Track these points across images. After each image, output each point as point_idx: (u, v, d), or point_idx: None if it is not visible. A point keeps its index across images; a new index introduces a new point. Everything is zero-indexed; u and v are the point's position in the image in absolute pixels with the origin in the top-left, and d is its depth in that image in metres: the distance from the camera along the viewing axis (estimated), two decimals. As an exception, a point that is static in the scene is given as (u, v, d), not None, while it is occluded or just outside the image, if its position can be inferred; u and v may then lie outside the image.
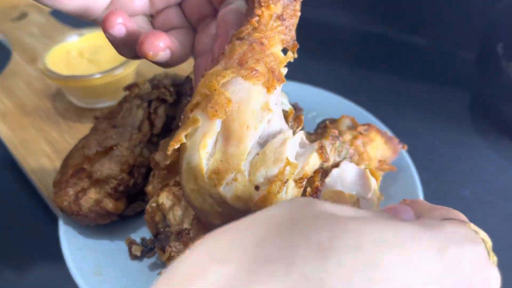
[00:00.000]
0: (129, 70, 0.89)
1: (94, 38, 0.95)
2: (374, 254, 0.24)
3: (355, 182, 0.58)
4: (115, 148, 0.64)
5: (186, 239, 0.53)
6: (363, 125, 0.65)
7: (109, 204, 0.62)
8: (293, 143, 0.44)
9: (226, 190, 0.42)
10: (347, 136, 0.63)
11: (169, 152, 0.43)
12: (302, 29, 0.54)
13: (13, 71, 1.04)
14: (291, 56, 0.48)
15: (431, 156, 0.83)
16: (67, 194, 0.63)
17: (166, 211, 0.58)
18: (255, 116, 0.43)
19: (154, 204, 0.59)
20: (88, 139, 0.65)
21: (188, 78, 0.70)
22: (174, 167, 0.47)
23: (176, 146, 0.43)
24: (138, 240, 0.65)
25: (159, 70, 0.77)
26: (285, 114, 0.49)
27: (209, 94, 0.42)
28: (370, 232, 0.26)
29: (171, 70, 0.79)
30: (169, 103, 0.69)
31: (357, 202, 0.56)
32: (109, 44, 0.94)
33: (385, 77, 1.03)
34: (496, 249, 0.69)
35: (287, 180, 0.42)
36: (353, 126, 0.64)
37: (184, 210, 0.56)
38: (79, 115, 0.91)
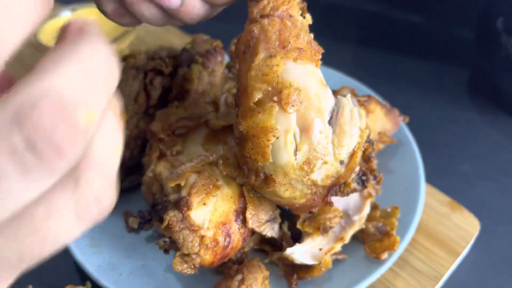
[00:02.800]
0: (122, 46, 0.87)
1: (87, 13, 0.93)
2: None
3: (354, 201, 0.60)
4: (110, 119, 0.62)
5: (184, 207, 0.52)
6: (363, 96, 0.64)
7: (105, 176, 0.61)
8: (357, 110, 0.45)
9: (317, 174, 0.44)
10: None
11: (263, 155, 0.43)
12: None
13: (4, 49, 1.01)
14: (309, 18, 0.47)
15: (429, 133, 0.82)
16: (62, 166, 0.62)
17: (163, 181, 0.56)
18: (321, 97, 0.43)
19: (151, 174, 0.58)
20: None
21: (184, 50, 0.69)
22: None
23: (272, 140, 0.43)
24: (135, 213, 0.64)
25: (155, 44, 0.76)
26: None
27: (273, 88, 0.42)
28: None
29: (170, 42, 0.78)
30: (165, 75, 0.67)
31: (339, 217, 0.57)
32: (102, 20, 0.93)
33: (383, 54, 1.02)
34: (496, 222, 0.69)
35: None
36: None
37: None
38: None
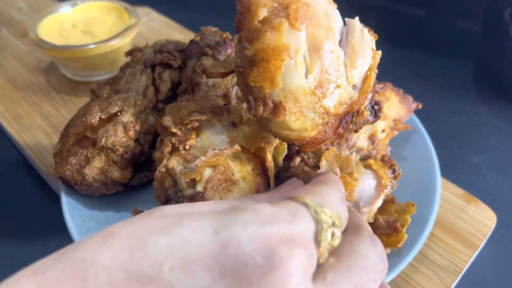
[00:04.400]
0: (125, 41, 0.85)
1: (88, 8, 0.91)
2: (141, 236, 0.28)
3: (367, 193, 0.58)
4: (119, 114, 0.60)
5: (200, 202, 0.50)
6: (379, 83, 0.63)
7: (114, 173, 0.59)
8: (367, 32, 0.42)
9: (329, 100, 0.40)
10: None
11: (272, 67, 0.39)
12: None
13: (1, 46, 0.99)
14: None
15: (438, 126, 0.82)
16: (70, 163, 0.59)
17: (177, 175, 0.55)
18: (330, 14, 0.40)
19: (163, 169, 0.56)
20: (90, 106, 0.62)
21: (192, 42, 0.67)
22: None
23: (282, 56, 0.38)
24: (145, 210, 0.62)
25: (159, 41, 0.74)
26: None
27: (279, 4, 0.38)
28: (147, 221, 0.30)
29: (173, 38, 0.76)
30: (173, 68, 0.66)
31: (354, 202, 0.56)
32: (104, 15, 0.91)
33: (388, 49, 1.00)
34: (507, 214, 0.68)
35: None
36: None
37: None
38: (74, 88, 0.87)
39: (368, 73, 0.41)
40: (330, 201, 0.34)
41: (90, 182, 0.59)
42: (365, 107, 0.44)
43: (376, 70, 0.42)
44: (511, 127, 0.83)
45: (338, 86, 0.40)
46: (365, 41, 0.41)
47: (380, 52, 0.42)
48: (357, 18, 0.42)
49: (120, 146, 0.59)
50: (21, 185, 0.73)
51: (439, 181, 0.63)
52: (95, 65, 0.85)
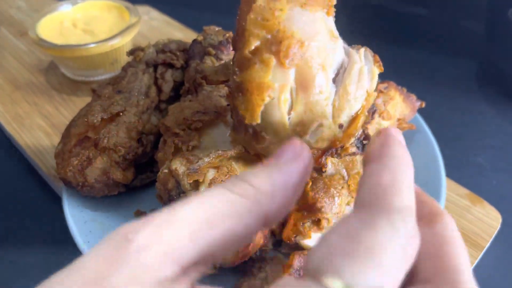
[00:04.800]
0: (126, 40, 0.84)
1: (89, 7, 0.90)
2: None
3: None
4: (121, 114, 0.60)
5: (205, 204, 0.50)
6: (382, 82, 0.63)
7: (117, 174, 0.59)
8: (366, 70, 0.39)
9: (311, 137, 0.39)
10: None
11: (255, 112, 0.37)
12: None
13: (1, 46, 0.98)
14: None
15: (441, 125, 0.81)
16: (71, 164, 0.59)
17: (180, 177, 0.54)
18: (328, 51, 0.37)
19: (166, 170, 0.55)
20: (92, 106, 0.61)
21: (195, 42, 0.66)
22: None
23: (267, 98, 0.37)
24: (147, 212, 0.62)
25: (161, 41, 0.73)
26: None
27: (273, 37, 0.36)
28: None
29: (174, 37, 0.75)
30: (176, 68, 0.65)
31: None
32: (105, 14, 0.91)
33: (391, 48, 1.00)
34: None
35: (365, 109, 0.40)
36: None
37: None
38: (75, 88, 0.87)
39: (358, 113, 0.39)
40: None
41: (92, 183, 0.59)
42: (351, 144, 0.42)
43: (366, 113, 0.40)
44: (514, 126, 0.83)
45: (321, 125, 0.39)
46: (361, 82, 0.39)
47: (375, 94, 0.40)
48: (361, 50, 0.40)
49: (122, 147, 0.58)
50: (22, 187, 0.72)
51: (444, 181, 0.63)
52: (96, 65, 0.84)
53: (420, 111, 0.74)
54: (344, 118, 0.39)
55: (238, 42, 0.38)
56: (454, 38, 1.03)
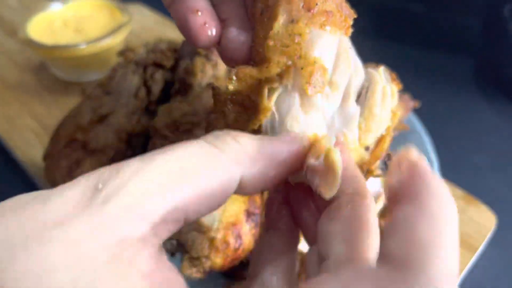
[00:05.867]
0: (117, 40, 0.83)
1: (79, 6, 0.89)
2: None
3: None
4: (110, 115, 0.59)
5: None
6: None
7: (105, 176, 0.58)
8: (389, 88, 0.38)
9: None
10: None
11: (254, 126, 0.35)
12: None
13: (-9, 45, 0.97)
14: None
15: (437, 124, 0.80)
16: (60, 166, 0.58)
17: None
18: (348, 73, 0.36)
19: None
20: (81, 107, 0.60)
21: (185, 42, 0.65)
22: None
23: (264, 119, 0.34)
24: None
25: (150, 39, 0.72)
26: None
27: (294, 63, 0.34)
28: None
29: (166, 36, 0.74)
30: (166, 69, 0.64)
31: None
32: (96, 13, 0.89)
33: (387, 45, 0.99)
34: (509, 216, 0.67)
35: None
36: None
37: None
38: (66, 88, 0.86)
39: (384, 134, 0.38)
40: None
41: (80, 186, 0.58)
42: (376, 166, 0.41)
43: (392, 133, 0.39)
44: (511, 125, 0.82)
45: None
46: (385, 102, 0.38)
47: (399, 113, 0.39)
48: (381, 70, 0.39)
49: (111, 148, 0.57)
50: (10, 188, 0.71)
51: (438, 182, 0.62)
52: (87, 65, 0.83)
53: (416, 109, 0.73)
54: (370, 140, 0.38)
55: (256, 74, 0.36)
56: (451, 35, 1.02)
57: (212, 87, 0.36)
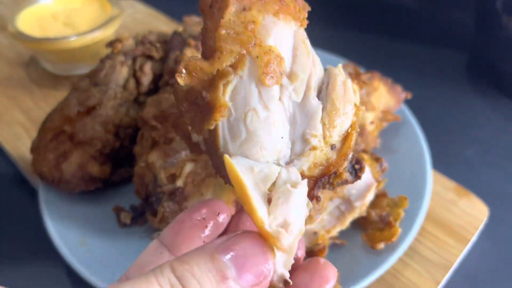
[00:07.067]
0: (108, 33, 0.82)
1: (69, 0, 0.88)
2: None
3: (357, 187, 0.55)
4: (98, 107, 0.58)
5: (180, 198, 0.48)
6: (366, 73, 0.61)
7: (94, 168, 0.57)
8: (350, 83, 0.36)
9: (303, 161, 0.36)
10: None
11: (209, 126, 0.33)
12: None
13: (-19, 40, 0.96)
14: None
15: (429, 118, 0.80)
16: (47, 159, 0.57)
17: (156, 170, 0.53)
18: (308, 65, 0.34)
19: (143, 164, 0.54)
20: (68, 99, 0.59)
21: (175, 33, 0.64)
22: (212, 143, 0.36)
23: (219, 118, 0.32)
24: (126, 208, 0.60)
25: (141, 32, 0.71)
26: None
27: (248, 51, 0.33)
28: None
29: (157, 30, 0.74)
30: (155, 60, 0.63)
31: (344, 198, 0.54)
32: (86, 6, 0.89)
33: (379, 40, 0.99)
34: (503, 209, 0.67)
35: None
36: (356, 75, 0.59)
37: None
38: (55, 82, 0.85)
39: (349, 131, 0.37)
40: None
41: (68, 179, 0.57)
42: (344, 168, 0.39)
43: (358, 129, 0.37)
44: (504, 119, 0.82)
45: (313, 148, 0.35)
46: (347, 96, 0.36)
47: (363, 108, 0.38)
48: (339, 66, 0.37)
49: (99, 140, 0.57)
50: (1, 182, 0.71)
51: (430, 173, 0.62)
52: (77, 58, 0.83)
53: (408, 103, 0.73)
54: (335, 138, 0.36)
55: (207, 66, 0.34)
56: (444, 30, 1.01)
57: (171, 84, 0.34)
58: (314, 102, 0.35)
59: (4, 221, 0.66)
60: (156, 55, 0.63)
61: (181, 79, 0.32)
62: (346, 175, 0.39)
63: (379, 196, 0.57)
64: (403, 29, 1.03)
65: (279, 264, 0.31)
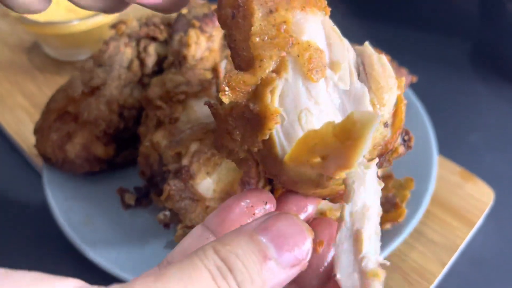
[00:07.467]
0: (111, 17, 0.82)
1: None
2: None
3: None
4: (102, 87, 0.58)
5: (185, 176, 0.48)
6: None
7: (98, 149, 0.57)
8: (385, 58, 0.36)
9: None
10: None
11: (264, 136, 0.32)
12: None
13: (-17, 26, 0.96)
14: None
15: (435, 104, 0.79)
16: (51, 139, 0.57)
17: (162, 150, 0.52)
18: (344, 50, 0.34)
19: (148, 144, 0.53)
20: (72, 80, 0.59)
21: (180, 15, 0.64)
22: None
23: (273, 125, 0.31)
24: (130, 190, 0.60)
25: (144, 15, 0.71)
26: None
27: (288, 53, 0.32)
28: None
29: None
30: (159, 41, 0.63)
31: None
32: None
33: (384, 26, 0.99)
34: (508, 193, 0.67)
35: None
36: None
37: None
38: (58, 68, 0.84)
39: (397, 105, 0.36)
40: None
41: (72, 159, 0.57)
42: (398, 143, 0.38)
43: (405, 101, 0.37)
44: (508, 105, 0.81)
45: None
46: (387, 71, 0.35)
47: (403, 78, 0.37)
48: (366, 43, 0.37)
49: (103, 120, 0.56)
50: (2, 166, 0.70)
51: (435, 155, 0.62)
52: (80, 43, 0.82)
53: (414, 89, 0.72)
54: (387, 115, 0.35)
55: (249, 78, 0.33)
56: (449, 17, 1.01)
57: (209, 105, 0.34)
58: (358, 85, 0.34)
59: (8, 206, 0.65)
60: (161, 36, 0.63)
61: (226, 97, 0.31)
62: (402, 149, 0.39)
63: (385, 177, 0.57)
64: (408, 15, 1.02)
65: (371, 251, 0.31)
